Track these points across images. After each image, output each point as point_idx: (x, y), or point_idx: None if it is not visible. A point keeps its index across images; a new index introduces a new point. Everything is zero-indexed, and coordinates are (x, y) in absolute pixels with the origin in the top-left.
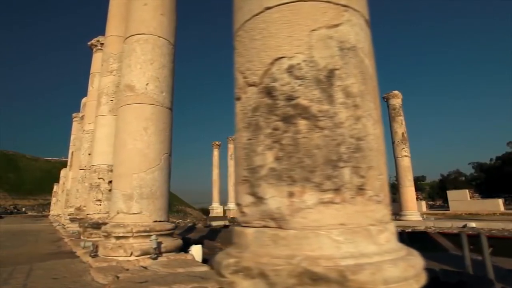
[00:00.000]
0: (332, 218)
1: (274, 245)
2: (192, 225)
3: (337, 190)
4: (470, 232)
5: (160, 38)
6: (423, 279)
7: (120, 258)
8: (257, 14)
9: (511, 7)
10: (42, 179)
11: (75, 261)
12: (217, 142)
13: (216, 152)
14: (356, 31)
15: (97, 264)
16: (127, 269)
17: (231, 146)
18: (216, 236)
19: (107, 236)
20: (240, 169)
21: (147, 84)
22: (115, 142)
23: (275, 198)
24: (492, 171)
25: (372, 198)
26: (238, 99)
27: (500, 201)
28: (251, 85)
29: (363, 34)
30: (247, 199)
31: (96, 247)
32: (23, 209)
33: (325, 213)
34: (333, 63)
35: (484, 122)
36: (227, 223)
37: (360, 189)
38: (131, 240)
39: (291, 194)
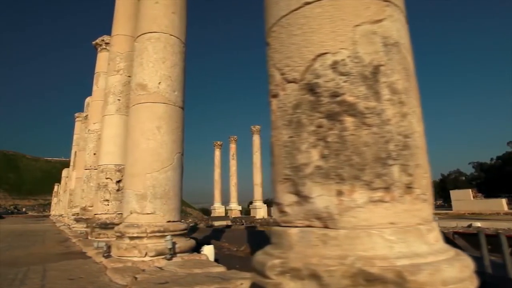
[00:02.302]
0: (381, 217)
1: (323, 245)
2: (194, 225)
3: (387, 188)
4: (488, 233)
5: (172, 37)
6: (476, 280)
7: (135, 259)
8: (296, 9)
9: (511, 7)
10: (42, 179)
11: (88, 261)
12: (218, 142)
13: (217, 152)
14: (397, 26)
15: (112, 265)
16: (143, 270)
17: (232, 146)
18: (220, 236)
19: (121, 236)
20: (280, 168)
21: (159, 82)
22: (127, 141)
23: (322, 197)
24: (493, 171)
25: (420, 197)
26: (275, 96)
27: (504, 201)
28: (290, 82)
29: (404, 30)
30: (289, 198)
31: (109, 247)
32: (24, 209)
33: (374, 212)
34: (378, 59)
35: (484, 122)
36: (229, 223)
37: (408, 188)
38: (145, 241)
39: (340, 193)
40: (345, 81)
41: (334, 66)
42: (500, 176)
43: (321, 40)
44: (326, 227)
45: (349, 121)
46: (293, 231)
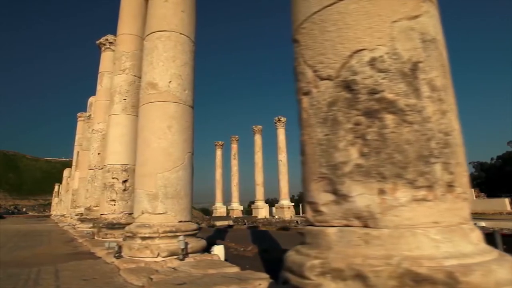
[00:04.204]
0: (425, 216)
1: (365, 245)
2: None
3: (429, 187)
4: (504, 232)
5: (182, 35)
6: None
7: (147, 259)
8: (329, 5)
9: (511, 6)
10: (42, 179)
11: (99, 262)
12: (220, 142)
13: (219, 152)
14: (434, 23)
15: (125, 265)
16: (157, 270)
17: (234, 146)
18: (224, 236)
19: (132, 236)
20: (315, 166)
21: (170, 81)
22: (137, 141)
23: (363, 196)
24: (493, 171)
25: (460, 196)
26: (306, 93)
27: (507, 201)
28: (324, 79)
29: (439, 26)
30: (325, 197)
31: (119, 247)
32: (24, 209)
33: (418, 210)
34: (417, 55)
35: (484, 121)
36: (231, 223)
37: (450, 186)
38: (157, 241)
39: (382, 191)
40: (383, 78)
41: (372, 62)
42: (500, 175)
43: (357, 36)
44: (366, 226)
45: (389, 118)
46: (331, 230)
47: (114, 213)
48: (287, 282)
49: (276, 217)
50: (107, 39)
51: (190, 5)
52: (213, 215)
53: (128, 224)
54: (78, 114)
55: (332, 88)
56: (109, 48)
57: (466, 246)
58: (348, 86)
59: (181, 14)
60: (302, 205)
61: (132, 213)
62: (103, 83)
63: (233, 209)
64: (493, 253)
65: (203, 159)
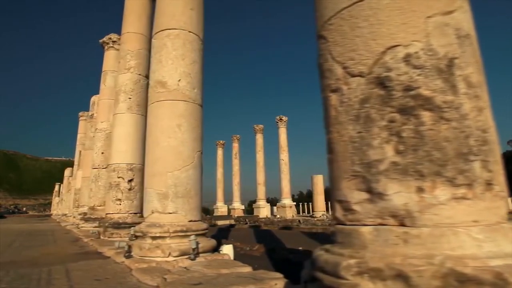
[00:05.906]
0: (464, 215)
1: (404, 244)
2: None
3: (469, 185)
4: None
5: (191, 33)
6: None
7: (158, 259)
8: (360, 1)
9: (511, 5)
10: (42, 179)
11: (108, 261)
12: (221, 141)
13: (220, 152)
14: (467, 18)
15: (137, 265)
16: (169, 270)
17: (235, 145)
18: (228, 235)
19: (142, 236)
20: (347, 164)
21: (179, 80)
22: (147, 139)
23: (401, 194)
24: None
25: (499, 194)
26: (335, 91)
27: (509, 200)
28: (356, 76)
29: (472, 22)
30: (359, 195)
31: (129, 247)
32: (24, 208)
33: (457, 209)
34: (452, 51)
35: None
36: (232, 222)
37: (489, 184)
38: (168, 241)
39: (420, 190)
40: (419, 75)
41: (406, 58)
42: None
43: (391, 32)
44: (402, 225)
45: (426, 115)
46: (366, 229)
47: (120, 213)
48: (314, 281)
49: (278, 216)
50: (110, 38)
51: (199, 3)
52: (214, 214)
53: (135, 223)
54: (80, 114)
55: (364, 85)
56: (112, 47)
57: (508, 246)
58: (381, 82)
59: (190, 12)
60: (302, 205)
61: (138, 213)
62: (107, 82)
63: (234, 209)
64: None
65: (204, 158)
